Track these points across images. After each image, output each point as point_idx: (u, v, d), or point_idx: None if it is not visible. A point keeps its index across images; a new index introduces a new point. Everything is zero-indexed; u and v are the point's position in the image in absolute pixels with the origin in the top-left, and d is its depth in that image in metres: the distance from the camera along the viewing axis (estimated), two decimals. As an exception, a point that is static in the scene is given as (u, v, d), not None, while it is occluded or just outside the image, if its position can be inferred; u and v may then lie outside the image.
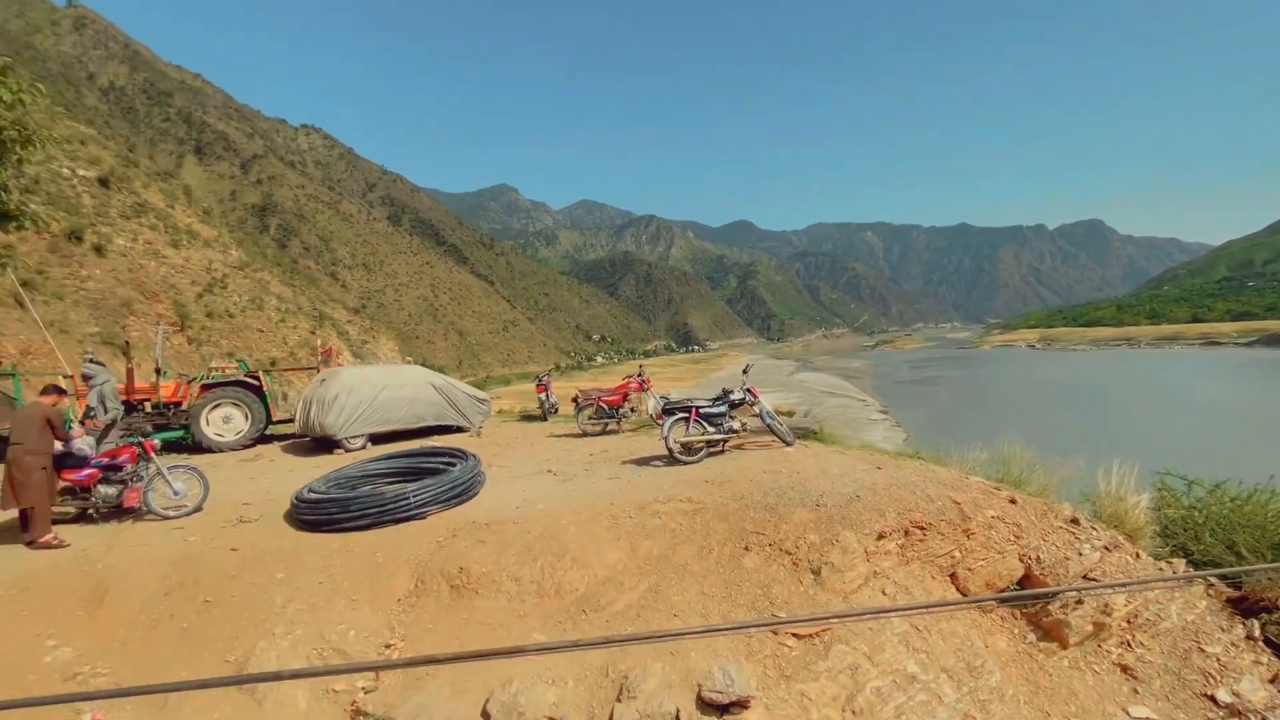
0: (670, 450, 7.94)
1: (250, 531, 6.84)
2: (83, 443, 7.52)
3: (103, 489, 7.31)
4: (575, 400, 11.58)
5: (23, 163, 7.23)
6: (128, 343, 13.93)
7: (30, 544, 6.58)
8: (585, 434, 11.24)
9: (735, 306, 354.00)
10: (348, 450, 10.85)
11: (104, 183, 64.07)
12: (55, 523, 6.94)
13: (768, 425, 8.29)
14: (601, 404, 11.29)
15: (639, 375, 11.96)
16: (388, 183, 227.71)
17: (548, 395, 14.06)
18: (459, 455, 8.13)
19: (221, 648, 5.20)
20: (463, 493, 7.16)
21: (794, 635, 4.83)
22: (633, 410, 11.52)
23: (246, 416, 12.01)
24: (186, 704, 4.54)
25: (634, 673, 4.49)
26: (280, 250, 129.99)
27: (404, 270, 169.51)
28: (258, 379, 12.42)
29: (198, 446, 11.49)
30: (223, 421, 11.89)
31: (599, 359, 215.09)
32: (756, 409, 8.33)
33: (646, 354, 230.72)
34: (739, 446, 8.58)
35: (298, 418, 11.59)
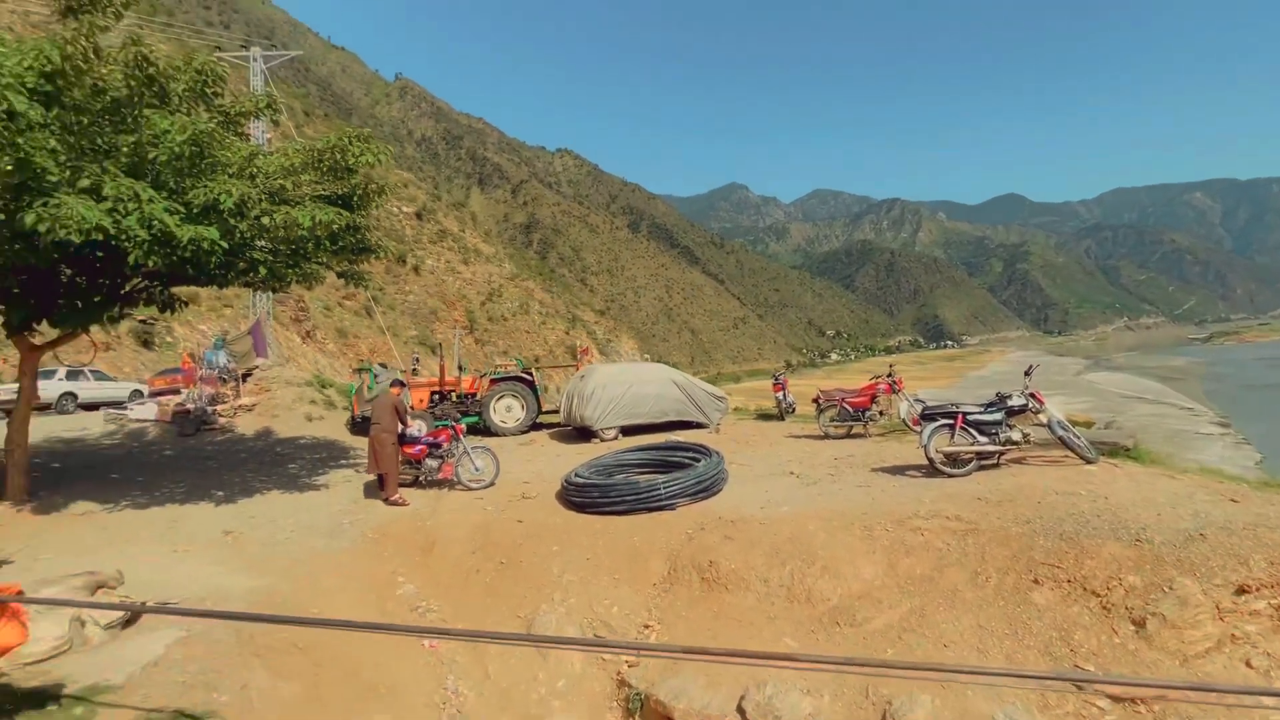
0: (930, 460, 7.14)
1: (530, 507, 7.94)
2: (416, 426, 9.51)
3: (429, 462, 9.16)
4: (816, 401, 11.11)
5: (377, 208, 9.34)
6: (441, 344, 17.31)
7: (385, 501, 8.53)
8: (827, 436, 10.74)
9: (1000, 295, 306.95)
10: (602, 440, 11.96)
11: (419, 216, 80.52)
12: (399, 486, 8.87)
13: (1059, 438, 6.95)
14: (845, 405, 10.65)
15: (889, 375, 11.00)
16: (628, 193, 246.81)
17: (785, 394, 13.76)
18: (703, 451, 8.40)
19: (514, 604, 6.12)
20: (708, 488, 7.37)
21: (1109, 696, 3.97)
22: (881, 413, 10.66)
23: (523, 406, 14.04)
24: (493, 644, 5.43)
25: (899, 700, 4.14)
26: (541, 261, 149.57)
27: (642, 274, 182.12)
28: (531, 375, 14.46)
29: (486, 431, 13.73)
30: (505, 410, 14.06)
31: (833, 356, 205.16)
32: (1043, 417, 7.04)
33: (888, 350, 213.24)
34: (1018, 460, 7.37)
35: (562, 409, 13.16)
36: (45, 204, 5.85)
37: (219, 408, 14.53)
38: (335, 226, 7.56)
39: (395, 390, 9.33)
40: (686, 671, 4.74)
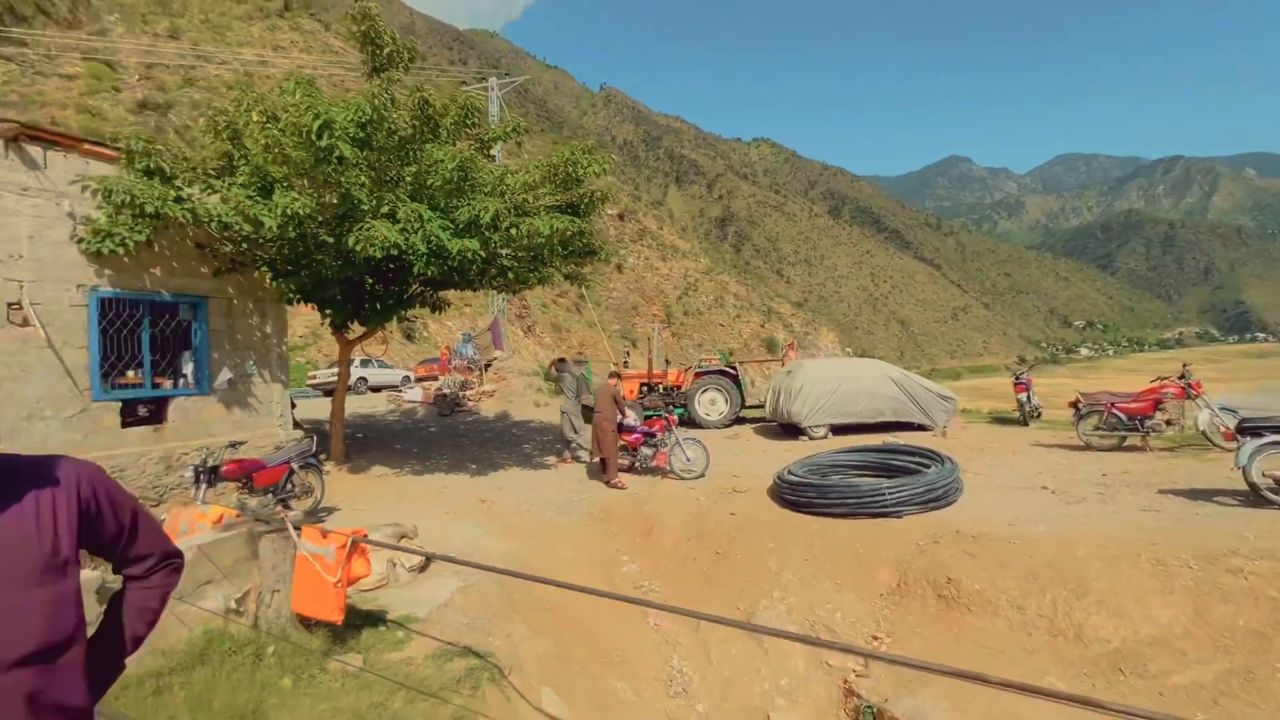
0: (1253, 485, 5.64)
1: (741, 501, 7.97)
2: (631, 415, 10.12)
3: (644, 450, 9.69)
4: (1075, 405, 9.42)
5: (599, 214, 10.08)
6: (650, 339, 18.20)
7: (606, 483, 9.23)
8: (1089, 447, 9.06)
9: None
10: (811, 438, 11.56)
11: (621, 217, 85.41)
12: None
13: None
14: (1115, 411, 8.88)
15: (1182, 376, 8.91)
16: (828, 178, 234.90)
17: (1029, 395, 11.95)
18: (933, 457, 7.66)
19: (732, 595, 6.21)
20: (940, 497, 6.72)
21: None
22: (1169, 423, 8.69)
23: (727, 400, 14.16)
24: (714, 632, 5.59)
25: (1217, 780, 3.36)
26: (735, 254, 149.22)
27: (844, 262, 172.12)
28: (735, 369, 14.51)
29: (690, 423, 14.10)
30: (709, 403, 14.31)
31: (1083, 350, 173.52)
32: None
33: (1162, 344, 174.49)
34: (1402, 494, 5.51)
35: (768, 404, 12.99)
36: (360, 228, 7.34)
37: (468, 393, 17.00)
38: (568, 233, 8.33)
39: (613, 381, 10.02)
40: (924, 693, 4.38)
